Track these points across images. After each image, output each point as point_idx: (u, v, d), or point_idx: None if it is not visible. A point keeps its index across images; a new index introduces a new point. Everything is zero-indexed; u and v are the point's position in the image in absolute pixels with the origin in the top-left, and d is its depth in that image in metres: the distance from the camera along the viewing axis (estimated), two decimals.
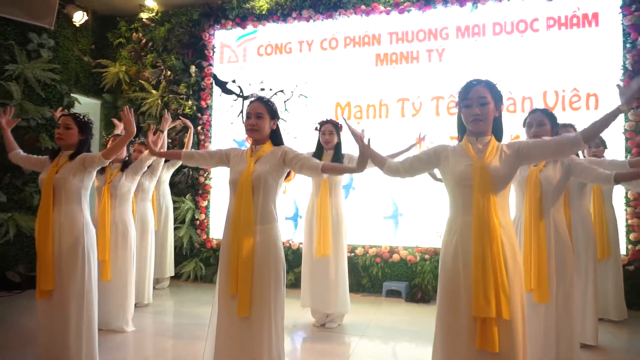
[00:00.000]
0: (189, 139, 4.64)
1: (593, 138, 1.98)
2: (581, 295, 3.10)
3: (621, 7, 4.47)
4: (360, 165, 2.21)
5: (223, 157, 2.46)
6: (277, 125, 2.45)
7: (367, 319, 4.00)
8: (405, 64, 5.10)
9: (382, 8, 5.13)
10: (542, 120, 2.71)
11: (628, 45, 4.42)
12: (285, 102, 5.47)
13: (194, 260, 5.53)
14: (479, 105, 1.96)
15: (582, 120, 4.54)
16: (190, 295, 4.97)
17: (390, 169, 2.22)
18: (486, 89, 1.97)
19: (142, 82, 5.82)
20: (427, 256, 4.82)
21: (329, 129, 3.75)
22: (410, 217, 4.97)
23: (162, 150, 2.64)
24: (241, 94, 5.65)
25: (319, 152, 3.76)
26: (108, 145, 3.66)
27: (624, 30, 4.46)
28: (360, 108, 5.22)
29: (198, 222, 5.62)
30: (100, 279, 3.33)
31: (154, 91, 5.76)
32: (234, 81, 5.68)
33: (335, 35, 5.35)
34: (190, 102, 5.65)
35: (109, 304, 3.44)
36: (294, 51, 5.50)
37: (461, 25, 4.94)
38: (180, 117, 5.00)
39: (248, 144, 5.57)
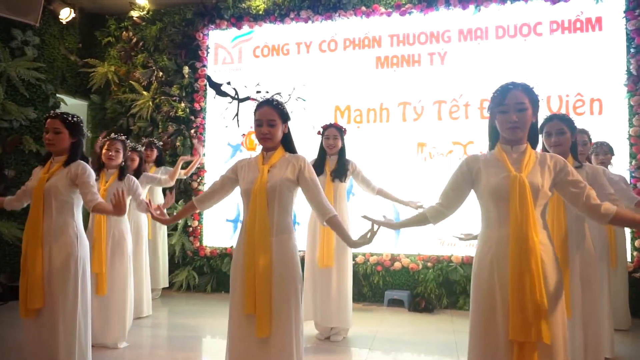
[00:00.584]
0: (192, 166, 4.78)
1: (619, 226, 1.88)
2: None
3: (625, 12, 4.44)
4: (361, 243, 2.14)
5: (232, 177, 2.29)
6: (289, 128, 2.30)
7: (372, 331, 3.85)
8: (407, 67, 4.99)
9: (382, 10, 5.02)
10: (561, 129, 2.59)
11: (632, 50, 4.38)
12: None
13: (187, 269, 5.30)
14: (516, 112, 1.83)
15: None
16: (183, 306, 4.75)
17: (435, 217, 2.06)
18: (524, 94, 1.85)
19: (133, 82, 5.59)
20: (429, 264, 4.69)
21: (333, 133, 3.60)
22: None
23: (175, 217, 2.47)
24: (236, 96, 5.46)
25: (321, 158, 3.61)
26: (103, 151, 3.45)
27: (627, 34, 4.42)
28: (360, 112, 5.09)
29: (191, 229, 5.40)
30: (96, 293, 3.13)
31: (145, 92, 5.53)
32: (228, 83, 5.49)
33: (334, 37, 5.22)
34: (183, 105, 5.44)
35: (105, 319, 3.22)
36: (291, 53, 5.34)
37: (463, 29, 4.85)
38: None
39: (243, 149, 5.41)
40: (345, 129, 3.71)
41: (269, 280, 2.05)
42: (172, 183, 4.31)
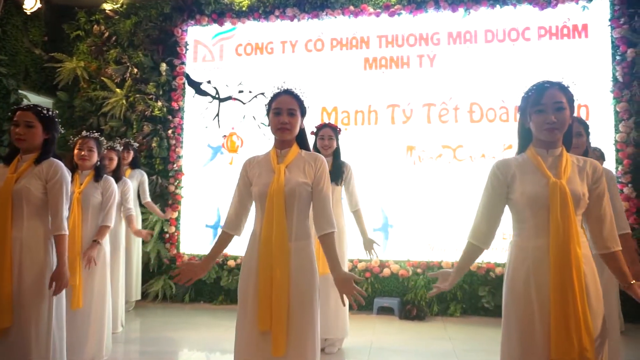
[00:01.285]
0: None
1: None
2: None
3: (610, 20, 4.51)
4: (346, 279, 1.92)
5: (247, 183, 2.04)
6: (304, 125, 2.11)
7: (366, 341, 3.68)
8: (395, 68, 4.89)
9: (371, 10, 4.91)
10: (579, 132, 2.51)
11: (618, 57, 4.44)
12: (266, 105, 5.07)
13: (163, 278, 4.97)
14: (555, 112, 1.70)
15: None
16: (159, 318, 4.43)
17: (486, 242, 1.88)
18: (561, 93, 1.72)
19: (105, 79, 5.22)
20: (419, 270, 4.58)
21: (328, 133, 3.41)
22: (401, 229, 4.72)
23: (209, 257, 2.17)
24: (217, 96, 5.21)
25: None
26: (75, 151, 3.13)
27: (613, 42, 4.49)
28: (348, 114, 4.94)
29: (167, 235, 5.07)
30: (70, 307, 2.80)
31: (118, 90, 5.18)
32: (209, 82, 5.23)
33: (321, 37, 5.06)
34: (159, 103, 5.12)
35: (81, 334, 2.90)
36: (276, 52, 5.14)
37: (453, 31, 4.80)
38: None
39: (225, 151, 5.15)
40: (340, 129, 3.54)
41: (287, 292, 1.85)
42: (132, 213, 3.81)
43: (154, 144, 5.07)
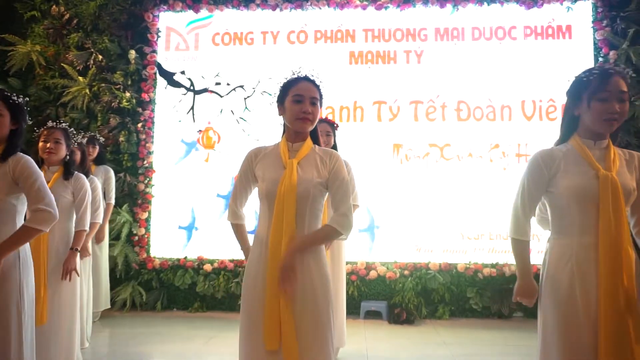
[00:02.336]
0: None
1: None
2: None
3: (592, 22, 4.56)
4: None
5: (250, 179, 1.85)
6: None
7: (360, 348, 3.48)
8: (382, 64, 4.74)
9: (357, 2, 4.72)
10: (328, 131, 2.59)
11: (600, 59, 4.50)
12: (245, 99, 4.80)
13: (131, 285, 4.56)
14: (619, 102, 1.59)
15: (558, 131, 4.54)
16: (129, 329, 4.04)
17: (529, 235, 1.75)
18: (624, 83, 1.62)
19: (65, 66, 4.73)
20: (406, 272, 4.44)
21: (326, 129, 3.18)
22: (388, 229, 4.57)
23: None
24: (192, 87, 4.85)
25: None
26: (39, 144, 2.74)
27: (595, 44, 4.55)
28: (333, 110, 4.73)
29: (136, 238, 4.66)
30: (35, 323, 2.42)
31: (80, 78, 4.71)
32: (183, 72, 4.86)
33: (304, 28, 4.82)
34: (128, 94, 4.70)
35: (47, 354, 2.52)
36: (256, 42, 4.85)
37: (440, 28, 4.71)
38: None
39: (200, 147, 4.80)
40: (337, 124, 3.32)
41: (299, 304, 1.67)
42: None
43: (121, 139, 4.64)
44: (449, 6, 4.65)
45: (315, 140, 1.89)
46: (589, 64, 4.55)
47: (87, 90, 4.70)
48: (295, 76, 1.84)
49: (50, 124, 2.84)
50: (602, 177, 1.59)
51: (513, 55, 4.62)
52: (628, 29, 4.40)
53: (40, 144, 2.76)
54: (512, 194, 4.93)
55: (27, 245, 1.95)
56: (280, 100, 1.83)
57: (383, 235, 4.58)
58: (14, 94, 1.98)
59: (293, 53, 4.80)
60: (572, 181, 1.63)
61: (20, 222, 1.92)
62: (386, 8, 4.71)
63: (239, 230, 1.91)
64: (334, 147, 3.25)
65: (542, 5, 4.58)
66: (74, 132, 3.04)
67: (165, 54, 4.88)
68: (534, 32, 4.64)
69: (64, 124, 2.88)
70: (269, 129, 4.74)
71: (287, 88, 1.81)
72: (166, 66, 4.87)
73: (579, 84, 1.69)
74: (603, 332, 1.52)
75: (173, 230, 4.73)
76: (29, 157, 1.96)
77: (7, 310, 1.84)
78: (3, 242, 1.82)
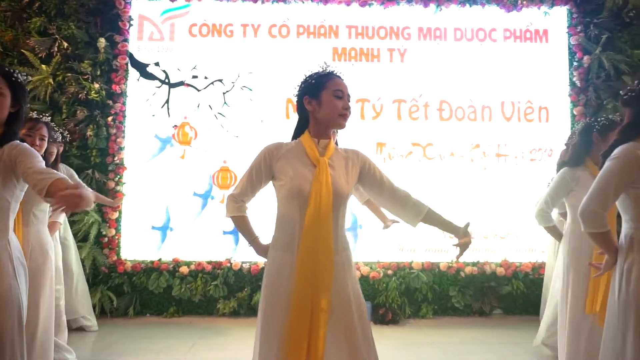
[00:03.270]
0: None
1: None
2: None
3: (568, 27, 4.71)
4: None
5: (266, 176, 1.72)
6: None
7: None
8: (365, 61, 4.68)
9: None
10: None
11: (575, 63, 4.66)
12: (224, 94, 4.60)
13: (100, 289, 4.25)
14: None
15: (534, 132, 4.67)
16: (98, 338, 3.75)
17: (605, 224, 1.69)
18: None
19: (25, 52, 4.34)
20: (390, 272, 4.41)
21: None
22: (371, 229, 4.51)
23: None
24: (167, 80, 4.59)
25: None
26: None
27: (570, 48, 4.70)
28: None
29: (106, 239, 4.35)
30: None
31: (43, 66, 4.33)
32: (157, 64, 4.59)
33: (286, 22, 4.68)
34: (97, 85, 4.38)
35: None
36: (236, 35, 4.66)
37: (423, 27, 4.71)
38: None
39: (175, 143, 4.56)
40: None
41: (336, 315, 1.59)
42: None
43: (89, 133, 4.32)
44: (432, 6, 4.66)
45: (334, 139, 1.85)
46: (564, 67, 4.70)
47: (51, 80, 4.33)
48: (328, 71, 1.76)
49: (34, 115, 2.59)
50: None
51: (493, 56, 4.69)
52: (601, 35, 4.58)
53: (26, 138, 2.49)
54: (492, 193, 4.93)
55: (19, 250, 1.72)
56: (314, 94, 1.70)
57: (366, 235, 4.52)
58: (15, 70, 1.74)
59: (275, 47, 4.65)
60: None
61: (12, 223, 1.68)
62: (370, 5, 4.66)
63: (244, 222, 1.77)
64: (335, 143, 3.13)
65: (520, 9, 4.68)
66: (54, 126, 2.78)
67: (137, 44, 4.59)
68: (513, 35, 4.73)
69: (47, 117, 2.62)
70: (249, 125, 4.57)
71: (323, 82, 1.71)
72: (139, 56, 4.58)
73: None
74: None
75: (146, 231, 4.45)
76: (28, 146, 1.73)
77: (5, 332, 1.59)
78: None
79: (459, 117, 4.64)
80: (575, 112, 4.61)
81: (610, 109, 4.49)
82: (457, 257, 1.86)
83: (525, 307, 4.45)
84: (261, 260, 4.36)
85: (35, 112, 4.15)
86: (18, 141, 1.67)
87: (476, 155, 4.62)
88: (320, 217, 1.57)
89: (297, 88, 1.78)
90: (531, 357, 3.30)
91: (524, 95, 4.67)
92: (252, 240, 1.77)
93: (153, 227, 4.47)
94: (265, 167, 1.70)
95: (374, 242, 4.50)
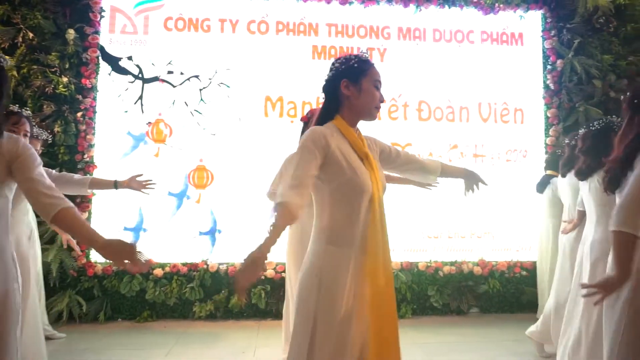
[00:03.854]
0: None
1: None
2: None
3: (542, 31, 4.82)
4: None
5: (320, 162, 1.49)
6: None
7: None
8: None
9: None
10: None
11: (549, 67, 4.77)
12: (201, 90, 4.46)
13: (68, 293, 4.04)
14: None
15: (510, 133, 4.75)
16: (65, 345, 3.55)
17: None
18: None
19: None
20: None
21: None
22: None
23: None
24: (140, 75, 4.42)
25: None
26: None
27: (544, 52, 4.81)
28: (295, 104, 4.55)
29: (75, 241, 4.13)
30: None
31: (7, 57, 4.07)
32: (130, 58, 4.41)
33: (265, 19, 4.59)
34: (65, 79, 4.16)
35: None
36: (213, 30, 4.53)
37: (403, 27, 4.71)
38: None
39: (149, 140, 4.39)
40: None
41: (396, 323, 1.51)
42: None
43: (57, 129, 4.10)
44: (412, 6, 4.68)
45: None
46: (539, 70, 4.81)
47: (15, 72, 4.09)
48: (367, 58, 1.63)
49: (15, 109, 2.42)
50: None
51: (471, 58, 4.75)
52: (573, 39, 4.71)
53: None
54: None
55: (13, 252, 1.59)
56: (354, 79, 1.57)
57: None
58: None
59: (253, 44, 4.55)
60: None
61: (8, 221, 1.55)
62: (350, 3, 4.63)
63: (282, 227, 1.39)
64: None
65: (497, 12, 4.76)
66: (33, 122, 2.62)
67: (109, 37, 4.40)
68: (490, 38, 4.80)
69: (26, 111, 2.45)
70: (227, 123, 4.46)
71: (365, 69, 1.58)
72: (110, 50, 4.38)
73: None
74: None
75: (118, 232, 4.26)
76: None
77: (8, 322, 1.49)
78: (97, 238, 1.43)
79: (438, 117, 4.67)
80: (548, 114, 4.73)
81: (582, 111, 4.62)
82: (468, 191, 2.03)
83: (501, 305, 4.53)
84: (238, 262, 4.26)
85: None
86: (17, 136, 1.56)
87: (454, 156, 4.67)
88: (379, 217, 1.51)
89: (333, 68, 1.61)
90: (514, 355, 3.33)
91: (500, 96, 4.75)
92: (273, 243, 1.40)
93: (125, 229, 4.29)
94: (323, 157, 1.48)
95: None
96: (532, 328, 3.24)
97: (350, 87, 1.57)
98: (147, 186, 2.94)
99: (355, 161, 1.53)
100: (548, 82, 4.75)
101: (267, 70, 4.53)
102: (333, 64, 1.62)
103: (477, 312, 4.55)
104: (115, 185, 2.91)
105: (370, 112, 1.60)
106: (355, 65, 1.58)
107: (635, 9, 4.94)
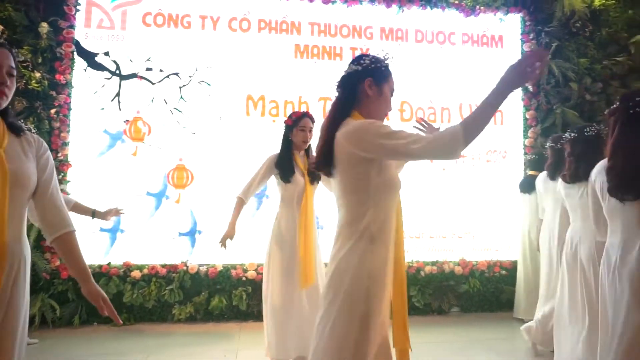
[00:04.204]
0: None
1: None
2: None
3: (521, 34, 4.90)
4: None
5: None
6: None
7: None
8: (328, 59, 4.62)
9: None
10: None
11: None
12: (181, 88, 4.37)
13: (40, 297, 3.89)
14: None
15: (489, 135, 4.81)
16: (38, 352, 3.42)
17: None
18: None
19: None
20: None
21: (309, 125, 2.95)
22: (332, 230, 4.45)
23: None
24: (117, 71, 4.29)
25: (288, 154, 2.91)
26: None
27: (523, 54, 4.88)
28: (277, 104, 4.50)
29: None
30: None
31: None
32: (107, 54, 4.28)
33: (247, 16, 4.52)
34: (38, 74, 4.01)
35: None
36: (194, 27, 4.44)
37: (385, 27, 4.72)
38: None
39: (127, 139, 4.27)
40: (314, 119, 3.08)
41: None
42: None
43: (29, 126, 3.94)
44: (394, 7, 4.69)
45: None
46: None
47: None
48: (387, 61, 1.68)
49: None
50: None
51: (452, 59, 4.79)
52: (551, 43, 4.80)
53: None
54: (450, 193, 5.05)
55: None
56: (378, 81, 1.60)
57: (327, 236, 4.45)
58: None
59: (235, 41, 4.48)
60: None
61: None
62: (333, 3, 4.61)
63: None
64: (309, 145, 3.02)
65: (478, 14, 4.81)
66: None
67: (85, 31, 4.26)
68: (470, 39, 4.85)
69: None
70: (207, 121, 4.38)
71: (388, 75, 1.64)
72: (86, 45, 4.24)
73: None
74: None
75: (93, 234, 4.14)
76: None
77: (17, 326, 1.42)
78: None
79: (420, 117, 4.69)
80: (527, 116, 4.81)
81: (559, 113, 4.72)
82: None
83: (481, 305, 4.58)
84: (219, 263, 4.19)
85: None
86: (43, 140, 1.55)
87: None
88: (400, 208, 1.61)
89: (357, 65, 1.62)
90: (497, 354, 3.36)
91: (481, 98, 4.72)
92: None
93: (102, 229, 4.16)
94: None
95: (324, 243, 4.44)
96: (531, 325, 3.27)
97: (373, 87, 1.58)
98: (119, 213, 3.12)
99: None
100: (527, 84, 4.82)
101: (248, 68, 4.47)
102: (360, 59, 1.62)
103: (457, 311, 4.59)
104: (93, 214, 3.08)
105: (381, 118, 1.62)
106: (383, 68, 1.61)
107: (609, 14, 5.07)
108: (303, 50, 4.59)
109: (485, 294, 4.58)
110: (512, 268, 4.55)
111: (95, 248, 4.11)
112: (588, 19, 4.91)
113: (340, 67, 4.59)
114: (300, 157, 2.95)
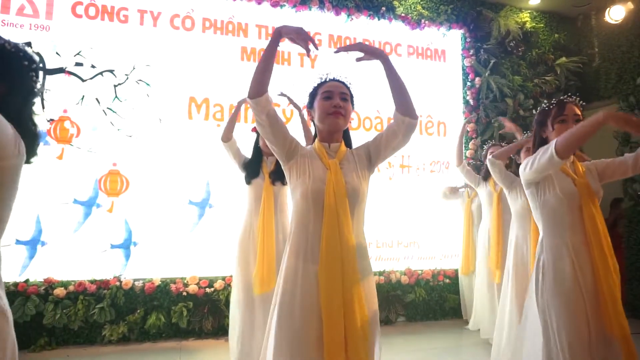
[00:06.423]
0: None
1: None
2: None
3: (462, 50, 5.09)
4: None
5: (289, 143, 1.70)
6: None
7: None
8: (276, 64, 4.43)
9: None
10: None
11: (468, 83, 5.04)
12: (115, 87, 4.01)
13: None
14: (575, 123, 2.03)
15: (434, 145, 4.92)
16: None
17: None
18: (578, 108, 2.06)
19: None
20: None
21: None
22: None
23: None
24: (42, 65, 3.85)
25: (257, 158, 2.96)
26: None
27: (463, 69, 5.08)
28: (222, 107, 4.28)
29: None
30: None
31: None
32: (29, 44, 3.82)
33: (191, 14, 4.27)
34: None
35: None
36: (131, 21, 4.11)
37: (334, 35, 4.69)
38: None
39: (51, 140, 3.84)
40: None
41: (366, 332, 1.55)
42: None
43: None
44: (343, 15, 4.67)
45: (348, 143, 1.84)
46: (459, 87, 5.06)
47: None
48: (325, 79, 1.90)
49: None
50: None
51: (398, 70, 4.83)
52: (489, 59, 5.03)
53: None
54: (396, 203, 5.14)
55: None
56: (310, 105, 1.82)
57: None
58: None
59: (177, 40, 4.21)
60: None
61: None
62: (282, 6, 4.50)
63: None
64: None
65: (423, 27, 4.93)
66: None
67: (1, 17, 3.78)
68: (415, 52, 4.96)
69: None
70: (145, 124, 4.05)
71: (316, 91, 1.83)
72: (4, 33, 3.75)
73: (543, 113, 2.05)
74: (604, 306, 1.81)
75: (8, 246, 3.63)
76: None
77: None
78: None
79: (367, 127, 4.70)
80: (468, 129, 4.98)
81: (496, 127, 4.94)
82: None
83: (426, 313, 4.62)
84: (156, 277, 3.87)
85: None
86: None
87: (382, 166, 4.71)
88: (338, 219, 1.51)
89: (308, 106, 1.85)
90: None
91: (425, 109, 4.91)
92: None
93: (18, 242, 3.67)
94: (293, 145, 1.69)
95: None
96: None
97: (310, 112, 1.81)
98: None
99: (314, 170, 1.67)
100: (467, 97, 5.01)
101: (192, 69, 4.21)
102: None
103: (403, 320, 4.59)
104: None
105: (326, 121, 1.74)
106: (311, 92, 1.83)
107: (539, 36, 5.44)
108: (250, 53, 4.41)
109: (429, 302, 4.63)
110: (454, 276, 4.66)
111: (10, 263, 3.61)
112: (521, 40, 5.23)
113: (288, 73, 4.53)
114: (268, 162, 2.96)
